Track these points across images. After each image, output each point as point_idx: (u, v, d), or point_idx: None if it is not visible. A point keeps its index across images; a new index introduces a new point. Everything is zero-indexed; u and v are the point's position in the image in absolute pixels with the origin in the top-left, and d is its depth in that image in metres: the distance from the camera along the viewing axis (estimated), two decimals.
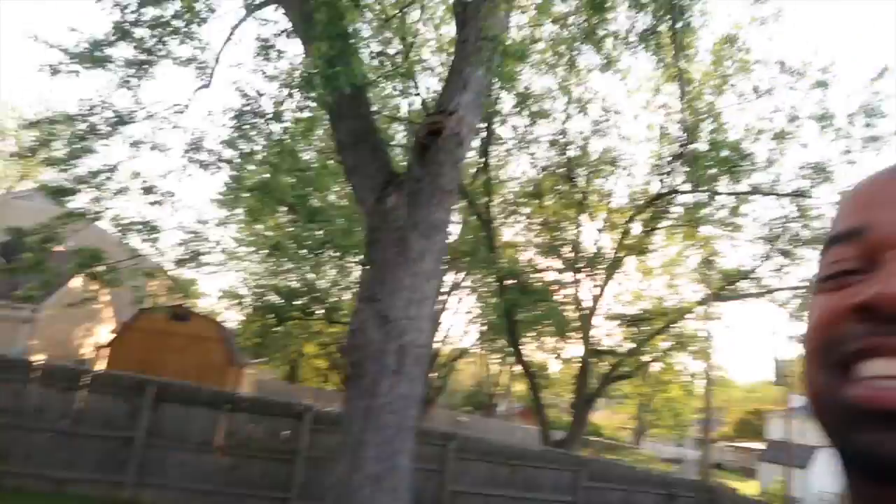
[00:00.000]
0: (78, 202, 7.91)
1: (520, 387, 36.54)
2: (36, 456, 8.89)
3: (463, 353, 28.63)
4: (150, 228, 7.54)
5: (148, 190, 7.51)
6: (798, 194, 13.17)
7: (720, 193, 13.97)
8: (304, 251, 14.83)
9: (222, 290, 27.30)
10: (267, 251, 18.37)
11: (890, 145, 12.24)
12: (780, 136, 13.03)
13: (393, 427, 5.60)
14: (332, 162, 11.09)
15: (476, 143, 14.61)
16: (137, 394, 9.41)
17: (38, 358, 13.48)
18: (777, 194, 13.48)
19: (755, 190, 13.59)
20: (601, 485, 11.04)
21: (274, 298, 20.53)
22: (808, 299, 0.55)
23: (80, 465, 9.03)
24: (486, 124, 13.00)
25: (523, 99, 12.33)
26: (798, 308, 14.64)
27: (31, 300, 8.32)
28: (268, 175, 9.26)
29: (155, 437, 9.35)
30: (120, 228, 7.36)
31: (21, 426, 8.87)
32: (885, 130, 12.24)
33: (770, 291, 15.07)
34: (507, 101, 13.55)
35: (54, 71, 6.18)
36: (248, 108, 6.29)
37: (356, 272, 20.97)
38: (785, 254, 14.31)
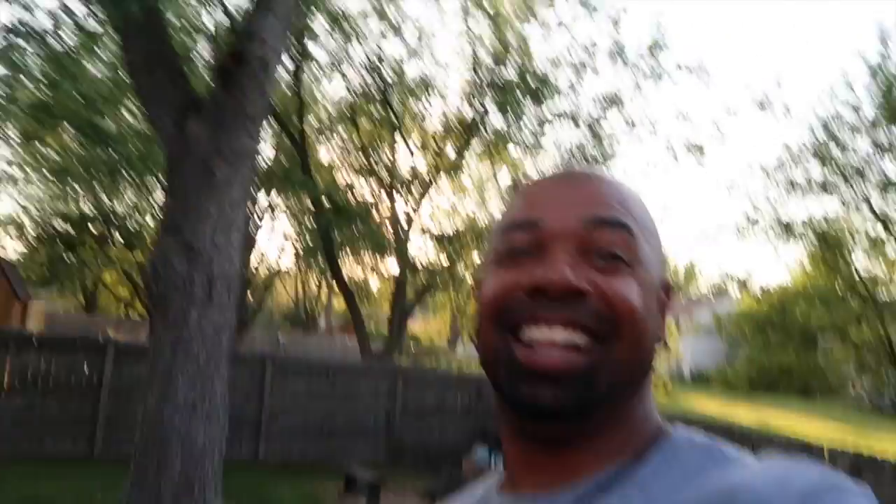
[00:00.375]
0: None
1: (340, 303, 37.12)
2: None
3: (279, 273, 28.28)
4: None
5: None
6: (594, 121, 14.56)
7: (524, 116, 14.97)
8: (97, 175, 13.48)
9: None
10: (50, 175, 16.39)
11: (672, 77, 14.02)
12: (579, 69, 14.17)
13: (204, 355, 5.62)
14: (123, 78, 10.09)
15: (287, 61, 14.06)
16: None
17: None
18: (574, 120, 14.76)
19: (558, 115, 14.77)
20: (416, 391, 11.91)
21: (62, 225, 18.59)
22: (484, 269, 0.66)
23: None
24: (297, 42, 12.52)
25: (336, 19, 12.00)
26: None
27: None
28: (46, 94, 8.18)
29: None
30: None
31: None
32: (668, 65, 13.97)
33: None
34: (320, 20, 13.10)
35: None
36: (18, 20, 5.51)
37: (158, 195, 19.54)
38: None
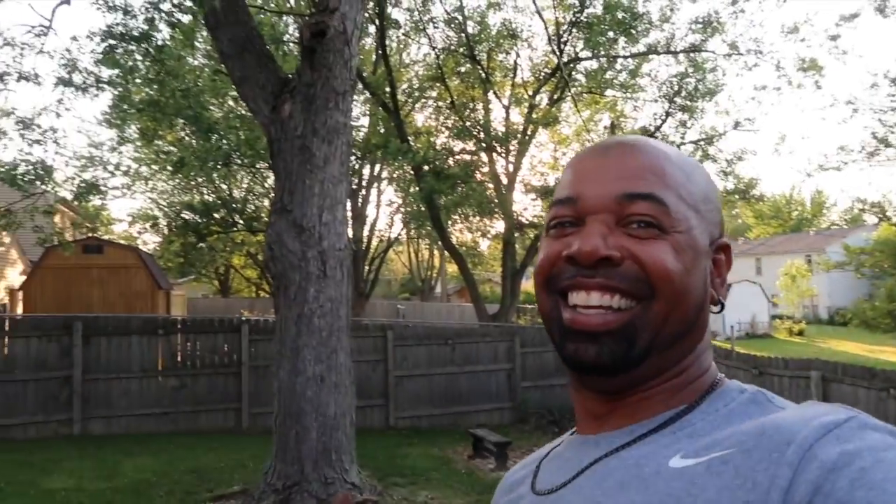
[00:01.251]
0: None
1: (454, 268, 37.61)
2: None
3: (392, 242, 28.98)
4: (41, 170, 7.07)
5: (26, 126, 6.98)
6: (691, 50, 13.53)
7: (618, 56, 14.17)
8: (211, 164, 14.30)
9: (132, 214, 26.18)
10: (171, 169, 17.58)
11: None
12: None
13: (326, 329, 5.84)
14: (222, 69, 10.53)
15: (371, 30, 14.09)
16: (65, 332, 9.29)
17: None
18: (672, 52, 13.80)
19: (651, 50, 13.84)
20: (535, 349, 11.86)
21: (190, 215, 19.95)
22: (542, 239, 0.73)
23: (21, 410, 9.02)
24: (378, 9, 12.48)
25: None
26: (699, 159, 15.45)
27: None
28: (154, 92, 8.72)
29: (92, 371, 9.36)
30: (4, 176, 6.87)
31: None
32: None
33: (675, 147, 15.77)
34: None
35: None
36: (117, 24, 5.84)
37: (270, 178, 20.47)
38: (684, 109, 14.88)
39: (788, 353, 18.27)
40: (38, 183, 7.27)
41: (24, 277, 17.41)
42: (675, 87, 14.31)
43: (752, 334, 32.05)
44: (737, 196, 16.01)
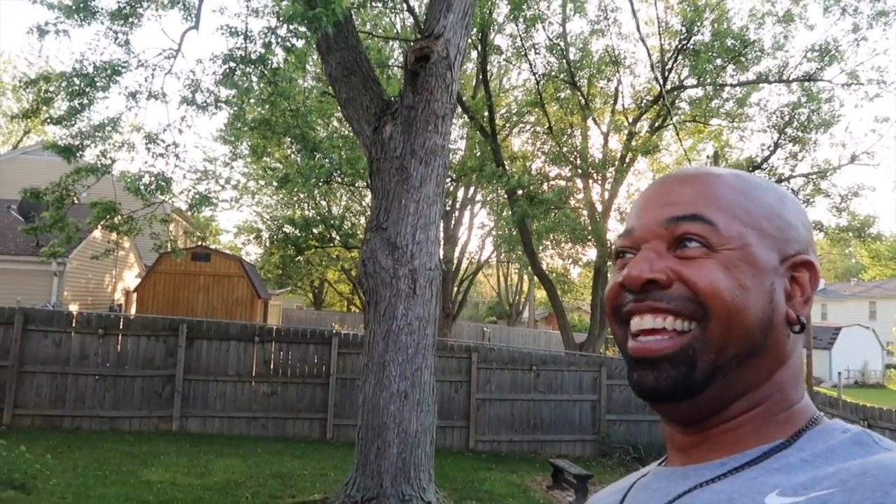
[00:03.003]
0: (86, 157, 8.08)
1: (542, 294, 37.17)
2: (86, 399, 9.54)
3: (481, 265, 29.06)
4: (161, 181, 7.66)
5: (152, 140, 7.60)
6: (806, 79, 12.86)
7: (726, 85, 13.68)
8: (313, 181, 14.96)
9: (238, 226, 27.69)
10: (276, 184, 18.50)
11: None
12: (785, 19, 12.61)
13: (412, 346, 5.93)
14: (329, 90, 11.02)
15: (473, 55, 14.33)
16: (171, 334, 9.92)
17: (72, 308, 14.07)
18: (784, 81, 13.18)
19: (761, 78, 13.27)
20: (622, 382, 11.50)
21: (290, 229, 20.86)
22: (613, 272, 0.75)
23: (127, 404, 9.68)
24: (480, 35, 12.69)
25: (517, 4, 11.97)
26: (809, 194, 14.60)
27: (56, 255, 8.64)
28: (266, 112, 9.27)
29: (193, 372, 9.92)
30: (130, 186, 7.49)
31: (68, 372, 9.49)
32: (893, 4, 11.78)
33: (782, 180, 15.01)
34: (501, 9, 13.17)
35: (42, 32, 6.19)
36: (237, 48, 6.27)
37: (367, 197, 21.06)
38: (795, 140, 14.14)
39: None
40: (158, 193, 7.86)
41: (138, 280, 18.76)
42: (787, 118, 13.63)
43: (862, 383, 29.67)
44: (850, 234, 14.98)
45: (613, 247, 0.75)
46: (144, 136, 7.70)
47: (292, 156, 17.05)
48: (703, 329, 0.63)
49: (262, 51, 5.98)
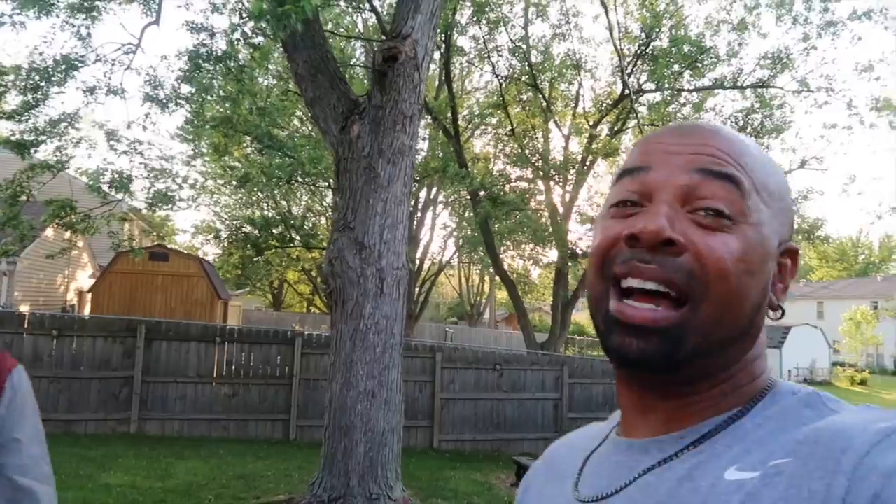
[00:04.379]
0: (41, 153, 7.85)
1: (503, 294, 37.46)
2: (40, 401, 9.20)
3: (443, 266, 29.14)
4: (124, 179, 7.49)
5: (112, 137, 7.42)
6: (759, 85, 13.31)
7: (683, 90, 14.05)
8: (274, 180, 14.79)
9: (196, 226, 27.18)
10: (236, 183, 18.24)
11: (846, 29, 12.35)
12: (739, 28, 13.02)
13: (380, 345, 5.94)
14: (291, 88, 10.93)
15: (436, 56, 14.39)
16: (129, 335, 9.69)
17: (23, 309, 13.62)
18: (738, 87, 13.61)
19: (717, 84, 13.68)
20: (583, 381, 11.71)
21: (249, 229, 20.57)
22: (598, 219, 0.68)
23: (83, 406, 9.41)
24: (444, 36, 12.76)
25: (480, 7, 12.08)
26: None
27: (7, 254, 8.37)
28: (228, 110, 9.15)
29: (152, 374, 9.71)
30: (92, 184, 7.30)
31: None
32: (841, 14, 12.29)
33: None
34: (465, 12, 13.26)
35: None
36: (202, 44, 6.18)
37: (329, 197, 20.93)
38: None
39: (850, 403, 17.38)
40: (120, 191, 7.69)
41: (92, 280, 18.25)
42: (741, 123, 14.07)
43: (810, 381, 30.75)
44: (800, 236, 15.54)
45: (612, 191, 0.67)
46: (106, 132, 7.52)
47: (252, 154, 16.84)
48: (696, 308, 0.59)
49: (226, 48, 5.92)
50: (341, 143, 5.95)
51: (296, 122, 16.89)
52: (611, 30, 12.34)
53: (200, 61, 5.99)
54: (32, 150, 7.12)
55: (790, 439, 0.55)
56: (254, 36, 5.93)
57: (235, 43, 5.90)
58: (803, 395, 0.61)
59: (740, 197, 0.60)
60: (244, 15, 5.31)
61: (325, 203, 25.51)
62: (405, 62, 5.61)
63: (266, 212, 23.57)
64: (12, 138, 6.94)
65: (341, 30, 14.45)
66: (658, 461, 0.62)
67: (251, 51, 6.74)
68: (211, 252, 27.60)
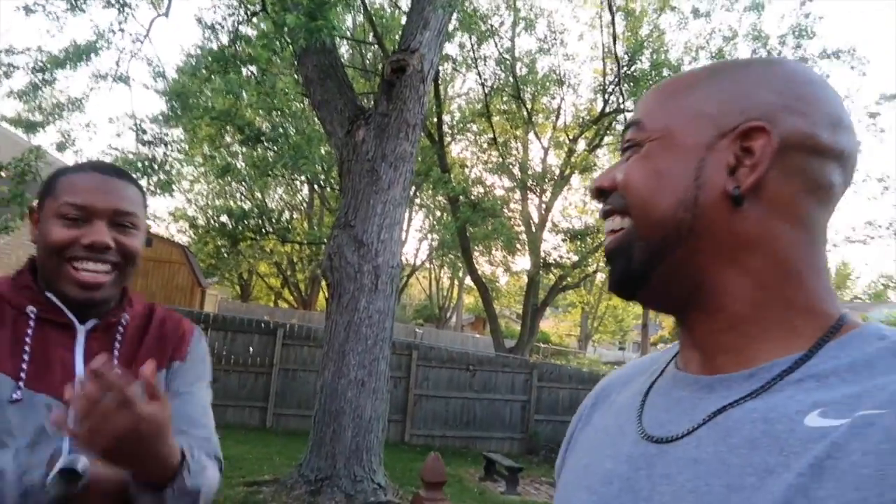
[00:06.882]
0: (49, 136, 8.03)
1: (470, 299, 37.94)
2: None
3: (416, 269, 29.48)
4: (154, 165, 7.68)
5: (141, 130, 7.65)
6: None
7: None
8: (255, 172, 14.92)
9: (172, 213, 27.07)
10: (217, 172, 18.33)
11: (817, 65, 13.12)
12: (717, 56, 13.72)
13: (371, 338, 6.33)
14: (291, 78, 11.18)
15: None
16: None
17: None
18: None
19: None
20: (551, 385, 12.21)
21: (226, 219, 20.63)
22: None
23: None
24: None
25: (469, 17, 12.52)
26: None
27: (6, 231, 8.44)
28: (229, 103, 9.42)
29: None
30: (132, 167, 7.48)
31: None
32: (813, 51, 13.08)
33: None
34: (454, 21, 13.68)
35: (29, 11, 6.22)
36: (208, 40, 6.49)
37: (304, 191, 21.10)
38: None
39: None
40: (147, 179, 7.88)
41: None
42: None
43: None
44: None
45: (624, 135, 0.73)
46: (133, 123, 7.76)
47: (233, 147, 16.96)
48: (632, 222, 0.65)
49: (229, 43, 6.20)
50: (346, 145, 6.33)
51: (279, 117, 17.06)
52: (615, 40, 12.88)
53: (226, 62, 6.29)
54: (40, 130, 7.31)
55: (885, 389, 0.51)
56: (263, 34, 6.22)
57: (239, 42, 6.22)
58: (892, 340, 0.56)
59: (640, 129, 0.67)
60: (276, 24, 5.58)
61: (299, 197, 25.70)
62: (412, 74, 6.02)
63: (241, 203, 23.64)
64: (21, 119, 7.13)
65: (348, 38, 14.75)
66: (730, 402, 0.58)
67: (259, 46, 7.01)
68: (183, 240, 27.52)
